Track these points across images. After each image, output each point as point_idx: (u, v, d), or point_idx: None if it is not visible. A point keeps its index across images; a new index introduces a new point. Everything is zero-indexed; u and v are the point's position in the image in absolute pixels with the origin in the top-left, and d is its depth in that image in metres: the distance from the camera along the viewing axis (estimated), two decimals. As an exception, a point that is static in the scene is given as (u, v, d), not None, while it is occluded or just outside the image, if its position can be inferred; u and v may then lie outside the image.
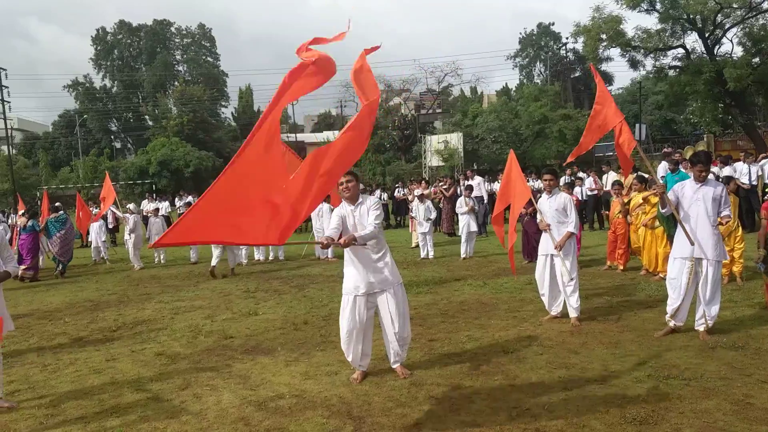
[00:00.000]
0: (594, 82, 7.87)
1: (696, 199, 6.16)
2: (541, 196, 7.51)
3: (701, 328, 6.14)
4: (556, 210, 7.12)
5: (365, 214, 5.29)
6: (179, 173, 44.40)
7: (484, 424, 4.28)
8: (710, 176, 6.33)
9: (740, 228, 8.98)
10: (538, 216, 7.46)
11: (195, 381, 5.64)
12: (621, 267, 10.35)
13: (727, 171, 14.02)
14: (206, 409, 4.88)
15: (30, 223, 14.02)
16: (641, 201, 9.75)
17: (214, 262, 12.69)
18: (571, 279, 7.01)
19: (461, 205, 13.45)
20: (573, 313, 7.04)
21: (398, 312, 5.31)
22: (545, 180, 7.33)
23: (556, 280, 7.17)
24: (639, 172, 11.43)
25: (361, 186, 12.24)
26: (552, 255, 7.13)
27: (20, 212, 15.35)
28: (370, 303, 5.34)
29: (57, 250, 14.17)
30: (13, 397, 5.43)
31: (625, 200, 10.39)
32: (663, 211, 6.50)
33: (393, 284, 5.33)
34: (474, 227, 13.30)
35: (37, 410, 5.08)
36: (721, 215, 6.11)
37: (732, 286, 8.47)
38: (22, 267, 13.06)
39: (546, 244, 7.24)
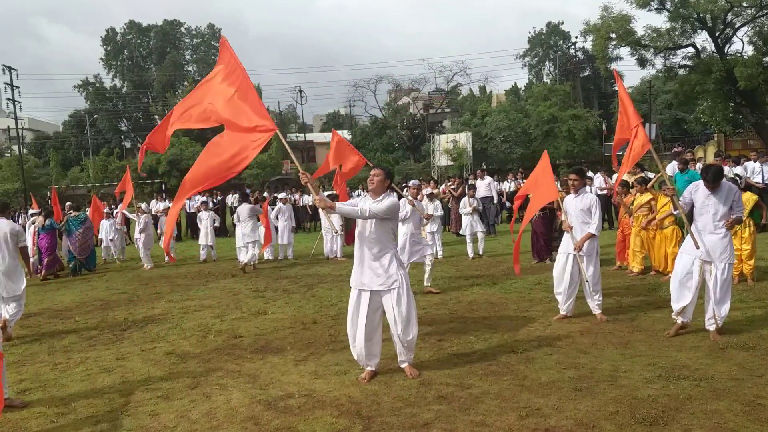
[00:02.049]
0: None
1: (707, 204, 6.15)
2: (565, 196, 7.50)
3: (711, 328, 6.12)
4: (581, 210, 7.09)
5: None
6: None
7: (493, 424, 4.27)
8: (723, 180, 6.28)
9: (748, 229, 8.89)
10: (562, 216, 7.44)
11: (204, 380, 5.66)
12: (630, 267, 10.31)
13: (737, 171, 13.94)
14: (216, 408, 4.90)
15: (48, 221, 14.21)
16: (645, 201, 9.71)
17: (247, 259, 13.19)
18: (589, 280, 7.04)
19: (464, 206, 13.41)
20: (596, 310, 7.15)
21: (401, 313, 5.31)
22: (571, 180, 7.31)
23: (574, 280, 7.17)
24: (645, 172, 11.37)
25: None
26: (573, 254, 7.13)
27: (31, 211, 15.45)
28: (375, 302, 5.37)
29: (76, 248, 14.37)
30: (24, 396, 5.47)
31: (628, 201, 10.34)
32: (675, 213, 6.49)
33: (398, 284, 5.33)
34: (478, 227, 13.26)
35: (48, 409, 5.11)
36: (732, 218, 6.09)
37: (742, 286, 8.42)
38: (37, 274, 13.46)
39: (567, 243, 7.23)
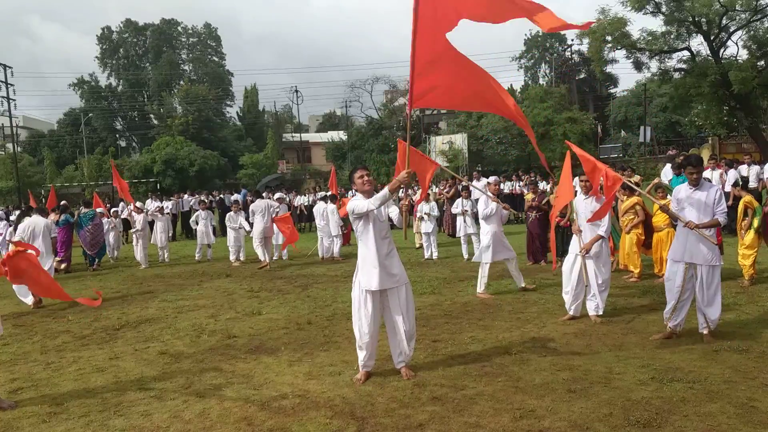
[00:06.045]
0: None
1: (689, 203, 6.12)
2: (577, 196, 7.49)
3: (704, 331, 6.13)
4: (591, 211, 7.06)
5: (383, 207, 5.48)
6: (184, 172, 44.38)
7: (487, 426, 4.28)
8: (704, 179, 6.28)
9: (745, 230, 8.90)
10: (573, 216, 7.44)
11: (198, 380, 5.65)
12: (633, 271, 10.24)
13: (731, 175, 13.93)
14: (209, 409, 4.89)
15: (63, 217, 14.35)
16: (630, 206, 9.71)
17: (242, 257, 14.16)
18: (601, 282, 7.06)
19: (456, 207, 13.35)
20: (593, 312, 7.14)
21: (409, 309, 5.43)
22: (582, 181, 7.33)
23: (582, 281, 7.18)
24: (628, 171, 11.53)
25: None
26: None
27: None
28: (383, 301, 5.43)
29: (87, 243, 14.43)
30: (16, 396, 5.44)
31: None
32: (675, 222, 6.50)
33: (406, 281, 5.47)
34: (471, 229, 13.23)
35: (40, 408, 5.09)
36: (714, 217, 6.06)
37: (736, 288, 8.44)
38: (57, 259, 13.48)
39: (576, 243, 7.24)
